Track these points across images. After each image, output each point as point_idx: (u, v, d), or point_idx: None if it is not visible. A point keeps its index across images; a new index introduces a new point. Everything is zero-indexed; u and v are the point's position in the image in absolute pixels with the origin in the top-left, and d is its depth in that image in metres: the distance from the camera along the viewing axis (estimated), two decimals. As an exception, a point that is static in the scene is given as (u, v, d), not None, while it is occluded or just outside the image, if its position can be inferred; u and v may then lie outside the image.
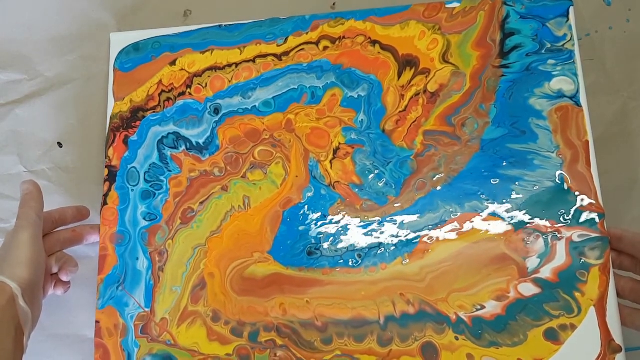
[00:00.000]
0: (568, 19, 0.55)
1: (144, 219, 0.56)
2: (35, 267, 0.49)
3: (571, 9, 0.55)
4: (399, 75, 0.56)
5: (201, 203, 0.55)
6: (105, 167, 0.57)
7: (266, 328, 0.52)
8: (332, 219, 0.54)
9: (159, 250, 0.55)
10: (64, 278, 0.55)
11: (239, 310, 0.53)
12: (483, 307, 0.50)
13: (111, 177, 0.57)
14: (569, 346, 0.49)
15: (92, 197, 0.59)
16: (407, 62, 0.56)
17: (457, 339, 0.50)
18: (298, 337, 0.51)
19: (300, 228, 0.54)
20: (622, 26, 0.60)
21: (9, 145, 0.63)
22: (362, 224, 0.53)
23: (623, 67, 0.60)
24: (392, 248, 0.52)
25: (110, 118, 0.58)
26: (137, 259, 0.55)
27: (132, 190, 0.56)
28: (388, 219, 0.53)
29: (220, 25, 0.59)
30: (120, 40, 0.60)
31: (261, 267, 0.54)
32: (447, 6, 0.56)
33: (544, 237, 0.51)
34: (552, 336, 0.49)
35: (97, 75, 0.63)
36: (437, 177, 0.53)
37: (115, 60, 0.59)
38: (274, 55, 0.57)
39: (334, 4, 0.61)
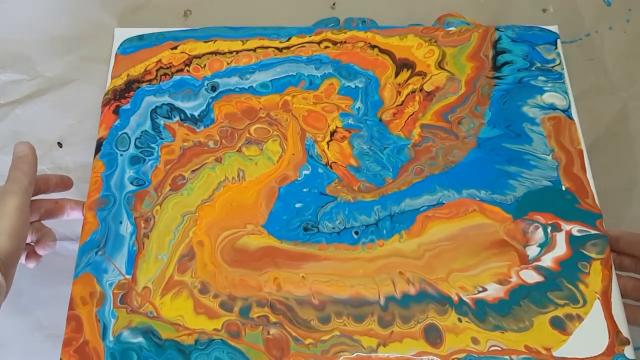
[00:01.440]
0: (556, 47, 0.58)
1: (132, 183, 0.52)
2: (18, 239, 0.44)
3: (558, 41, 0.58)
4: (396, 75, 0.57)
5: (193, 171, 0.52)
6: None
7: (259, 303, 0.47)
8: (330, 199, 0.52)
9: (145, 216, 0.50)
10: (41, 252, 0.49)
11: (230, 283, 0.48)
12: (485, 290, 0.47)
13: (97, 149, 0.54)
14: (577, 336, 0.46)
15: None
16: (404, 65, 0.57)
17: (460, 320, 0.46)
18: (293, 315, 0.47)
19: (297, 205, 0.51)
20: (622, 26, 0.61)
21: (9, 145, 0.59)
22: (360, 204, 0.51)
23: (623, 67, 0.60)
24: (389, 225, 0.50)
25: (104, 94, 0.56)
26: (121, 222, 0.50)
27: (121, 155, 0.53)
28: (385, 198, 0.51)
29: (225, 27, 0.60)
30: (125, 35, 0.59)
31: (254, 239, 0.50)
32: (445, 29, 0.59)
33: (543, 227, 0.50)
34: (559, 325, 0.46)
35: (97, 76, 0.61)
36: (434, 165, 0.53)
37: (119, 47, 0.58)
38: (275, 47, 0.58)
39: (333, 4, 0.63)
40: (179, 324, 0.46)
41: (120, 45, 0.58)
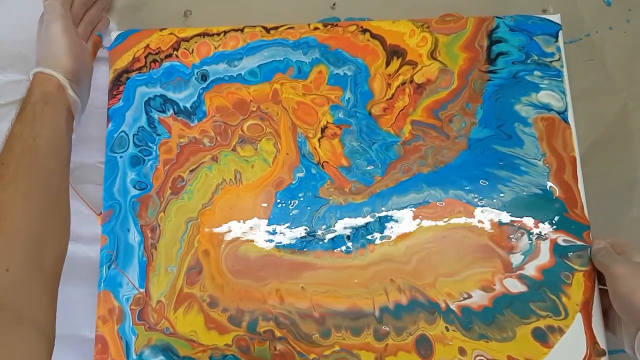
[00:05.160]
0: (557, 40, 0.54)
1: (134, 187, 0.51)
2: (76, 56, 0.49)
3: (560, 33, 0.53)
4: (387, 64, 0.54)
5: (191, 171, 0.52)
6: None
7: (265, 317, 0.48)
8: (323, 202, 0.51)
9: (151, 225, 0.50)
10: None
11: (237, 296, 0.49)
12: (470, 296, 0.48)
13: None
14: (557, 348, 0.48)
15: (92, 197, 0.55)
16: (395, 52, 0.54)
17: (447, 329, 0.48)
18: (296, 329, 0.48)
19: (294, 212, 0.51)
20: (622, 26, 0.58)
21: (10, 145, 0.58)
22: (351, 206, 0.51)
23: (623, 67, 0.57)
24: (379, 226, 0.50)
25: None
26: (129, 230, 0.50)
27: (121, 157, 0.52)
28: (374, 198, 0.51)
29: None
30: (123, 37, 0.55)
31: (254, 247, 0.50)
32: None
33: (528, 234, 0.50)
34: (541, 337, 0.48)
35: (96, 76, 0.57)
36: (423, 165, 0.52)
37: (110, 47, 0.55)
38: (263, 27, 0.55)
39: (334, 4, 0.60)
40: (194, 339, 0.48)
41: (112, 45, 0.55)
